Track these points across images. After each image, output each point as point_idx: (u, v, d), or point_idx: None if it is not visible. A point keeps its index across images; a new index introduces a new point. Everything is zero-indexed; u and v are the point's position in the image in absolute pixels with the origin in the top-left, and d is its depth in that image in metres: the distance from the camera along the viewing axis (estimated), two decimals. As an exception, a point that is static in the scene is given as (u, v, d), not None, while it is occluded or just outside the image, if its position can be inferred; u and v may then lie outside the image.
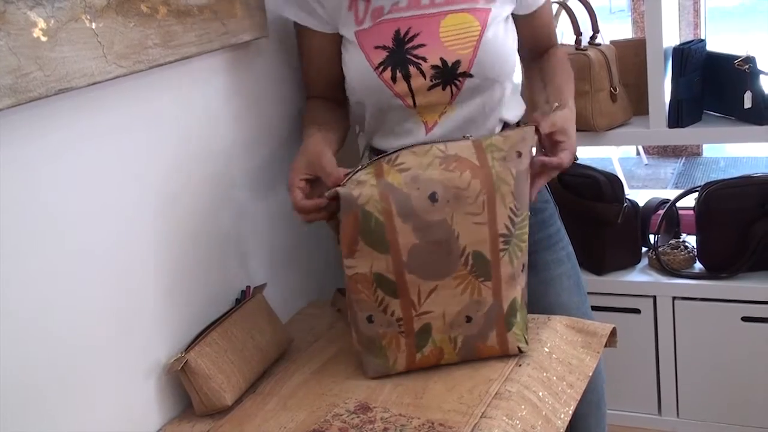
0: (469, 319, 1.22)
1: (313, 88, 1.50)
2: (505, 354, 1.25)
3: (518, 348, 1.25)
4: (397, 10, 1.34)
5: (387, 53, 1.33)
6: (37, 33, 1.01)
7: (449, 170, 1.17)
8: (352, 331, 1.28)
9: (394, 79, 1.34)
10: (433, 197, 1.16)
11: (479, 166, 1.18)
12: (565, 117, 1.30)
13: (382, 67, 1.34)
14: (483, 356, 1.25)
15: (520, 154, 1.21)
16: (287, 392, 1.28)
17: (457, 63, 1.33)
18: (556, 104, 1.34)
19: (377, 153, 1.40)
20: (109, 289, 1.17)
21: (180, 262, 1.31)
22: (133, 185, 1.21)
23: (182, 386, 1.26)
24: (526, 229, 1.23)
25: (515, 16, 1.44)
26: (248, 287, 1.44)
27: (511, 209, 1.20)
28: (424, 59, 1.33)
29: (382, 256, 1.17)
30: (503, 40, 1.37)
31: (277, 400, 1.26)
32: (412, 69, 1.33)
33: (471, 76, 1.35)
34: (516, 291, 1.24)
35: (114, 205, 1.18)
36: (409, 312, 1.21)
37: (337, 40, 1.41)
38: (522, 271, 1.24)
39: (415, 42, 1.33)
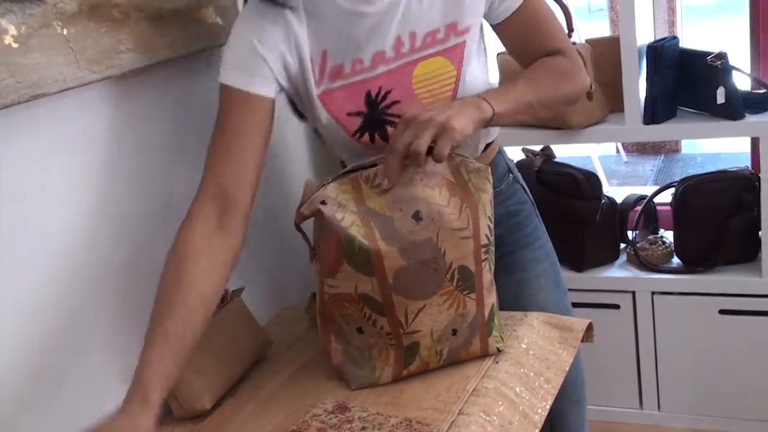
0: (454, 332, 1.21)
1: (218, 172, 1.18)
2: (484, 355, 1.26)
3: (497, 348, 1.26)
4: (362, 70, 1.24)
5: (362, 119, 1.24)
6: (8, 40, 1.02)
7: (429, 187, 1.13)
8: (333, 347, 1.24)
9: (372, 140, 1.26)
10: (417, 216, 1.13)
11: (455, 182, 1.16)
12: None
13: (359, 134, 1.26)
14: (463, 360, 1.25)
15: (488, 168, 1.21)
16: (266, 395, 1.28)
17: None
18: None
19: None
20: (85, 292, 1.17)
21: (157, 266, 1.31)
22: (110, 189, 1.21)
23: (161, 390, 1.26)
24: None
25: (494, 27, 1.32)
26: (226, 291, 1.44)
27: (489, 218, 1.19)
28: (401, 117, 1.19)
29: (367, 279, 1.13)
30: (480, 77, 1.28)
31: (256, 403, 1.26)
32: (390, 129, 1.25)
33: None
34: (493, 296, 1.24)
35: (92, 209, 1.18)
36: (397, 330, 1.19)
37: (273, 107, 1.23)
38: (492, 274, 1.24)
39: (389, 100, 1.24)
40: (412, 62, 1.24)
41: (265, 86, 1.21)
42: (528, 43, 1.32)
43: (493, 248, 1.21)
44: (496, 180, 1.45)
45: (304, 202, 1.15)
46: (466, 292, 1.18)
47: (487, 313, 1.23)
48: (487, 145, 1.44)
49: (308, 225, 1.20)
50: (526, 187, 1.53)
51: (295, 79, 1.24)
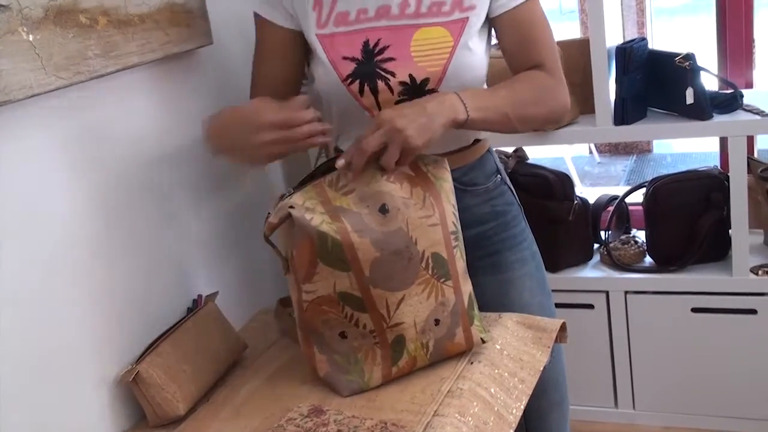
0: (437, 322, 1.22)
1: (261, 87, 1.39)
2: (470, 348, 1.26)
3: (481, 339, 1.26)
4: (366, 19, 1.30)
5: (355, 65, 1.29)
6: (-28, 46, 1.00)
7: (391, 182, 1.18)
8: (317, 359, 1.24)
9: (361, 92, 1.30)
10: (383, 209, 1.16)
11: (414, 175, 1.20)
12: (391, 109, 1.21)
13: (350, 80, 1.30)
14: (451, 355, 1.26)
15: (445, 159, 1.26)
16: (241, 399, 1.27)
17: (426, 81, 1.29)
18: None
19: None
20: (56, 300, 1.16)
21: (130, 273, 1.30)
22: (79, 196, 1.20)
23: (135, 398, 1.25)
24: None
25: (493, 21, 1.36)
26: (200, 296, 1.44)
27: (453, 206, 1.23)
28: (393, 74, 1.29)
29: (344, 274, 1.15)
30: (475, 57, 1.32)
31: (231, 408, 1.25)
32: (380, 84, 1.29)
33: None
34: (469, 284, 1.27)
35: (59, 216, 1.17)
36: (381, 324, 1.19)
37: (298, 39, 1.36)
38: (465, 262, 1.27)
39: (385, 55, 1.29)
40: (415, 26, 1.30)
41: (284, 19, 1.35)
42: (520, 46, 1.36)
43: (460, 235, 1.24)
44: (484, 178, 1.48)
45: (270, 213, 1.17)
46: (443, 279, 1.21)
47: (466, 301, 1.24)
48: (476, 141, 1.46)
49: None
50: (513, 191, 1.54)
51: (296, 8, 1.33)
